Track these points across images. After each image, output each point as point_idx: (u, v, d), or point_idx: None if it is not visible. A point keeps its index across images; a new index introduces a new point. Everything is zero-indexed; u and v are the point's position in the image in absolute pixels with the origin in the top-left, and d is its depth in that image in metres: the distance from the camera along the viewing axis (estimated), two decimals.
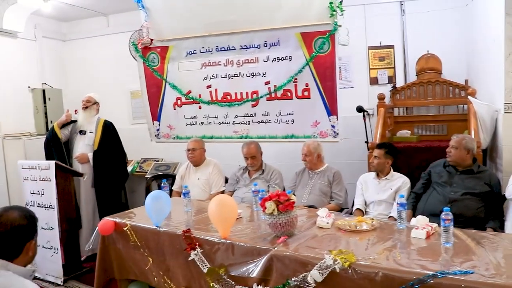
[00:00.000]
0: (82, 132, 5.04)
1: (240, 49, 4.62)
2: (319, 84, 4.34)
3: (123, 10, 6.34)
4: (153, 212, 3.35)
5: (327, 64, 4.25)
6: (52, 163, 4.36)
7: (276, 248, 2.72)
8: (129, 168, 6.14)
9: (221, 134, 4.92)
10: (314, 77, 4.35)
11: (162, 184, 4.15)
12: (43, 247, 4.45)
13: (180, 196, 4.43)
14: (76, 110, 6.79)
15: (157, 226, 3.33)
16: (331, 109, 4.38)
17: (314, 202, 4.10)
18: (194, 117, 4.99)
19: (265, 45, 4.50)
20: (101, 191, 4.95)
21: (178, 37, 4.83)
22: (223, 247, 2.95)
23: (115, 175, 5.10)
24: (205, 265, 2.97)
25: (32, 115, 6.26)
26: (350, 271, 2.36)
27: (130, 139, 6.24)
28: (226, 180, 4.83)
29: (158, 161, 6.24)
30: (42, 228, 4.42)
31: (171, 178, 5.42)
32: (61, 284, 4.32)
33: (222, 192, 4.68)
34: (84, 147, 4.98)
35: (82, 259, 4.73)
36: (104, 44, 6.68)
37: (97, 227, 3.65)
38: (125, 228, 3.49)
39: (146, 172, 6.11)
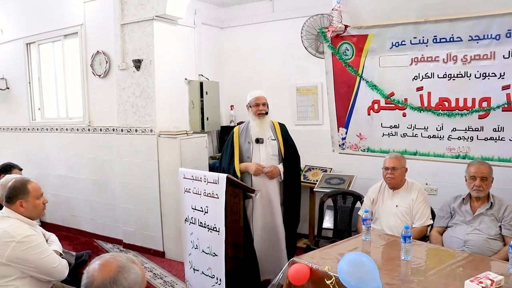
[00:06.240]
0: (259, 141, 4.19)
1: (469, 40, 3.40)
2: None
3: None
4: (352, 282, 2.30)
5: None
6: (223, 177, 3.55)
7: None
8: None
9: (429, 150, 3.76)
10: None
11: (363, 216, 3.18)
12: (203, 273, 3.77)
13: None
14: (232, 106, 6.13)
15: None
16: None
17: None
18: (395, 126, 3.89)
19: (508, 35, 3.25)
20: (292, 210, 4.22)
21: (381, 24, 3.74)
22: None
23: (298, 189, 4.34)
24: None
25: (187, 111, 5.57)
26: None
27: None
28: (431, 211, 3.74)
29: (325, 171, 5.27)
30: (203, 251, 3.74)
31: (351, 197, 4.41)
32: None
33: (428, 226, 3.61)
34: (269, 158, 4.15)
35: None
36: (266, 32, 5.82)
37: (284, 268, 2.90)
38: (328, 282, 2.57)
39: (312, 183, 5.16)
